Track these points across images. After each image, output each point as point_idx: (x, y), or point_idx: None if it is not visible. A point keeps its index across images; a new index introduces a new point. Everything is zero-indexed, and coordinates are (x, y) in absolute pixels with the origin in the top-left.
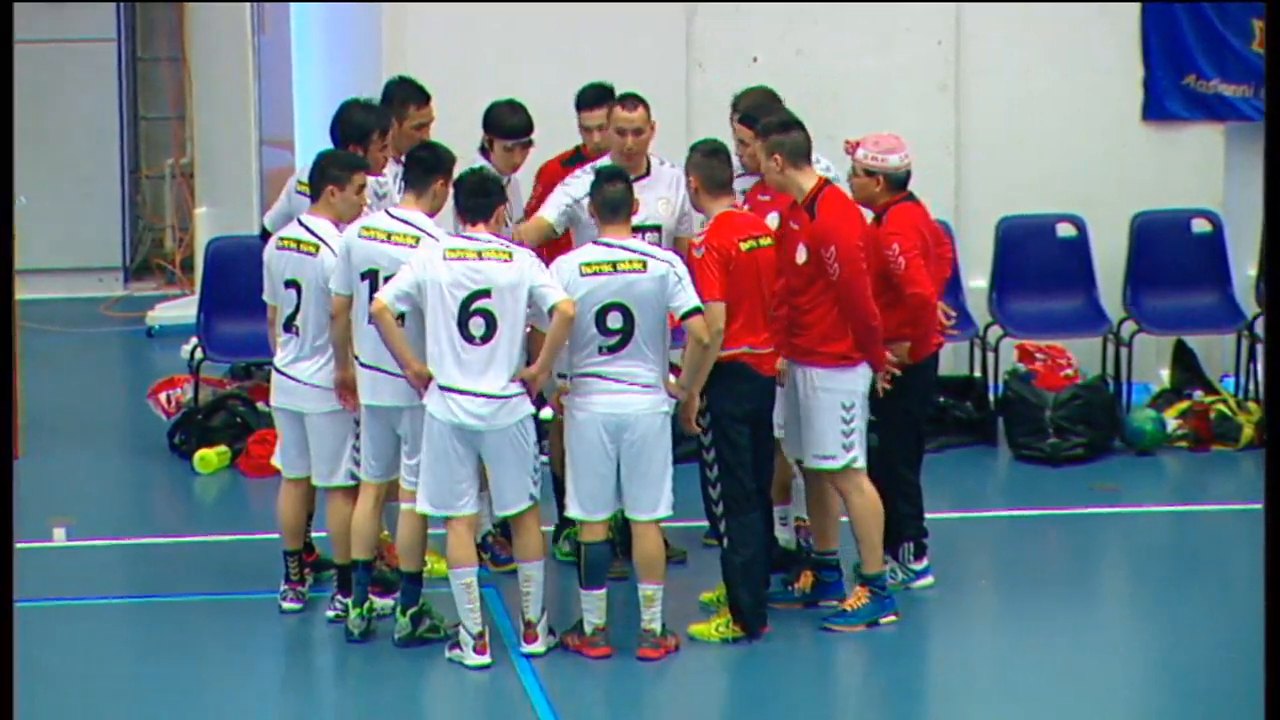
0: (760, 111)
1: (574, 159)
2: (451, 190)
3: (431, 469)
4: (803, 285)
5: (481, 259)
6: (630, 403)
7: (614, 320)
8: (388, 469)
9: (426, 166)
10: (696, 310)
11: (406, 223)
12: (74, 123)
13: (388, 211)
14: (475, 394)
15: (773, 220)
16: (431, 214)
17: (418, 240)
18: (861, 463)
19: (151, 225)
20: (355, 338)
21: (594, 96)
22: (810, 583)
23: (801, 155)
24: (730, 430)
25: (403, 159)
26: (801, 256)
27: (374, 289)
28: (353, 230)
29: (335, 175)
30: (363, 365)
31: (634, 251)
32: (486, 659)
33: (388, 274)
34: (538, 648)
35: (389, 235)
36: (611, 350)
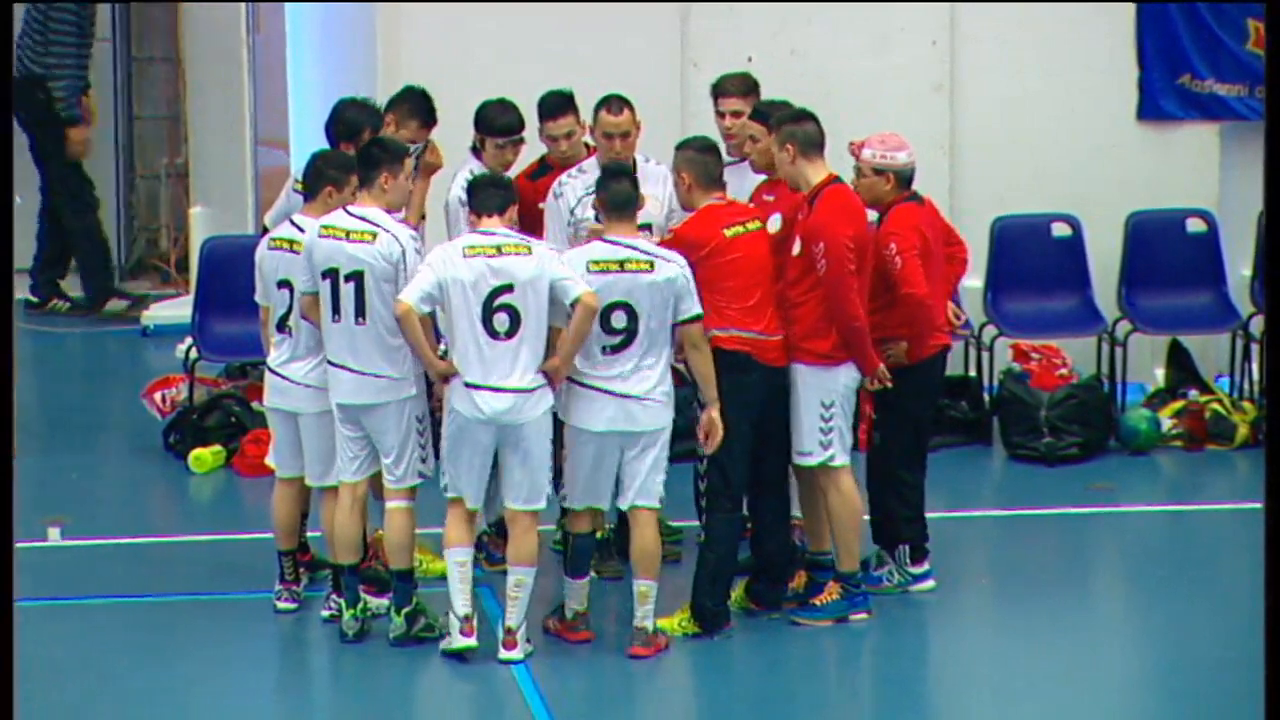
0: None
1: (540, 171)
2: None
3: (454, 461)
4: (796, 277)
5: (501, 254)
6: (639, 417)
7: (618, 320)
8: (362, 468)
9: (373, 161)
10: (698, 318)
11: (363, 219)
12: None
13: (345, 209)
14: (502, 389)
15: (774, 223)
16: (391, 210)
17: (375, 236)
18: (840, 461)
19: (146, 225)
20: (324, 335)
21: (557, 105)
22: (804, 583)
23: (813, 146)
24: (727, 426)
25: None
26: (796, 248)
27: (335, 288)
28: (314, 229)
29: (334, 176)
30: (330, 364)
31: (641, 252)
32: (473, 641)
33: (347, 273)
34: (515, 654)
35: (347, 233)
36: (615, 350)
